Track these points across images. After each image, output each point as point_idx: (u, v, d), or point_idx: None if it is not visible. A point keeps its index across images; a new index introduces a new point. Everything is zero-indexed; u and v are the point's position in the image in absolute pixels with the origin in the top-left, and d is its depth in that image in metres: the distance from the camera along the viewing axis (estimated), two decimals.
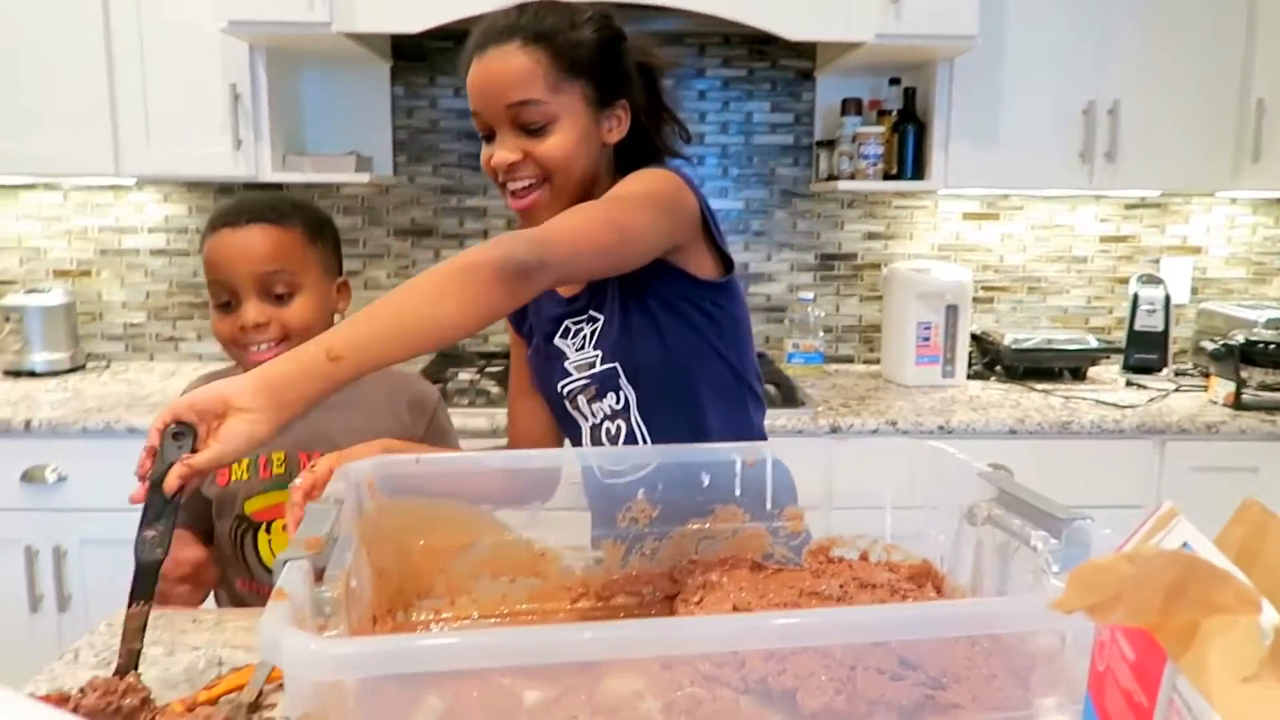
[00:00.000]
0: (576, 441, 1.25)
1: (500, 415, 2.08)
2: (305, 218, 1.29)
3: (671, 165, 1.23)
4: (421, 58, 2.62)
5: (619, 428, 1.20)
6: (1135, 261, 2.80)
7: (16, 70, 2.25)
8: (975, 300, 2.73)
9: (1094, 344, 2.58)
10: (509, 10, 1.14)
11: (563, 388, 1.22)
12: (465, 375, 2.30)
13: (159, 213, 2.66)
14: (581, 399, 1.22)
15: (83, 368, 2.60)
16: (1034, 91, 2.40)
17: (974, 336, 2.65)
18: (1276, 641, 0.42)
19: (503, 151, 1.12)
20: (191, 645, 1.04)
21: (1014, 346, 2.53)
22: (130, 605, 0.87)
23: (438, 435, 1.37)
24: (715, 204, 2.69)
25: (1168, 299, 2.61)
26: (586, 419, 1.23)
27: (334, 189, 2.65)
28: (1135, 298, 2.63)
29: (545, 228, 1.00)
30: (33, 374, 2.47)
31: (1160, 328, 2.61)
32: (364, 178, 2.40)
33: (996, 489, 0.96)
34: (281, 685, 0.91)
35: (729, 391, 1.24)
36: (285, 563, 0.74)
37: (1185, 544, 0.52)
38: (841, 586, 0.97)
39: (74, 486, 2.11)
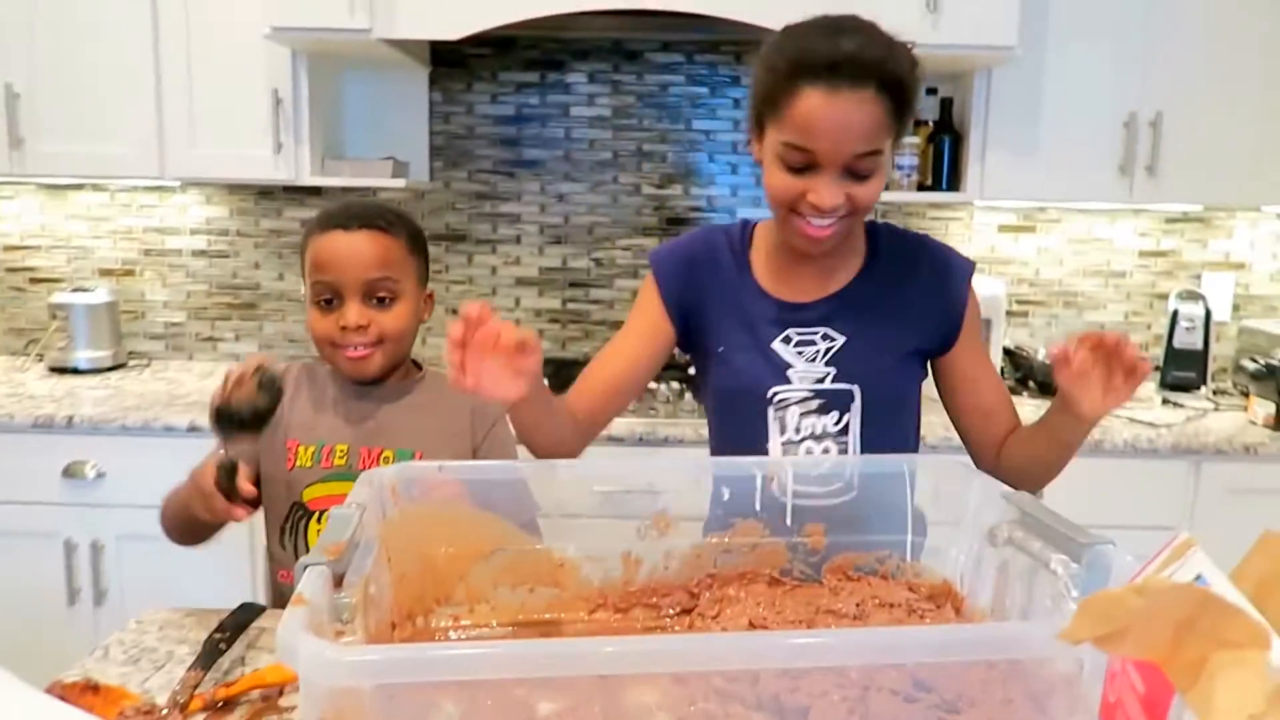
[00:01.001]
0: (757, 447, 1.23)
1: None
2: (409, 228, 1.35)
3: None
4: (460, 64, 2.65)
5: (826, 450, 1.21)
6: (1175, 277, 2.75)
7: (67, 73, 2.31)
8: (1009, 314, 2.70)
9: None
10: (859, 38, 1.07)
11: (774, 394, 1.22)
12: None
13: (201, 214, 2.71)
14: (794, 410, 1.21)
15: (124, 365, 2.66)
16: (1074, 103, 2.37)
17: (1007, 351, 2.62)
18: None
19: (833, 196, 1.10)
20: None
21: (1048, 362, 2.49)
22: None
23: (495, 446, 1.39)
24: (747, 214, 2.69)
25: (1208, 315, 2.56)
26: (784, 431, 1.22)
27: (371, 193, 2.68)
28: (1174, 314, 2.58)
29: None
30: (76, 371, 2.53)
31: (1199, 345, 2.56)
32: (400, 183, 2.43)
33: (1019, 510, 0.95)
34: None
35: (916, 420, 1.30)
36: (305, 568, 0.75)
37: (1200, 576, 0.51)
38: (859, 605, 0.97)
39: (112, 482, 2.15)
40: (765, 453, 1.23)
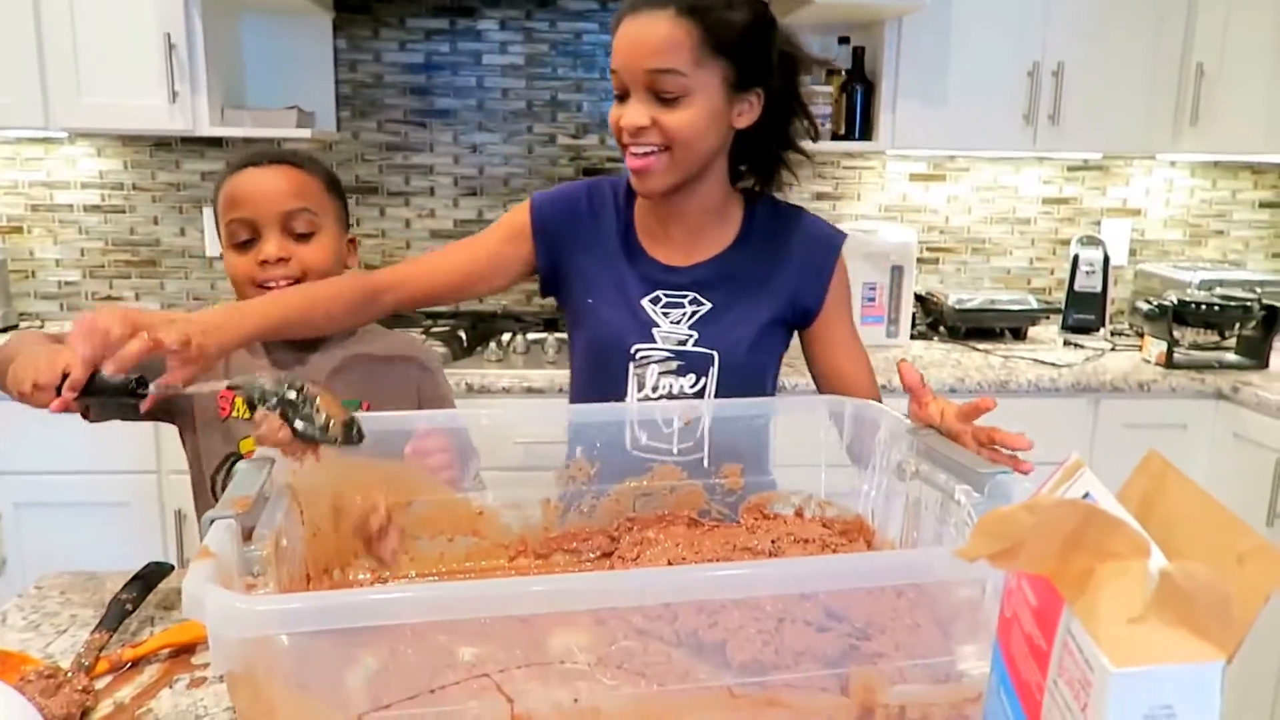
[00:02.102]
0: (613, 398, 1.25)
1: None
2: (325, 171, 1.33)
3: None
4: (365, 9, 2.56)
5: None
6: (1077, 223, 2.85)
7: None
8: (920, 261, 2.76)
9: (1034, 304, 2.63)
10: None
11: (636, 351, 1.23)
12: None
13: (92, 167, 2.58)
14: (653, 369, 1.23)
15: (14, 328, 2.53)
16: (980, 52, 2.41)
17: (918, 297, 2.68)
18: (1162, 585, 0.44)
19: (633, 115, 1.12)
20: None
21: (957, 307, 2.57)
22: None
23: (437, 400, 1.38)
24: None
25: (1106, 260, 2.66)
26: (643, 388, 1.23)
27: (275, 144, 2.58)
28: (1075, 259, 2.68)
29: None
30: None
31: (1099, 288, 2.67)
32: (306, 133, 2.35)
33: (925, 445, 0.98)
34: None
35: (773, 389, 1.32)
36: (212, 522, 0.73)
37: (1088, 494, 0.54)
38: (774, 542, 0.99)
39: (6, 449, 2.06)
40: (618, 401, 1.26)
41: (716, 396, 1.23)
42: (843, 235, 1.30)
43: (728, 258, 1.25)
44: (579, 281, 1.27)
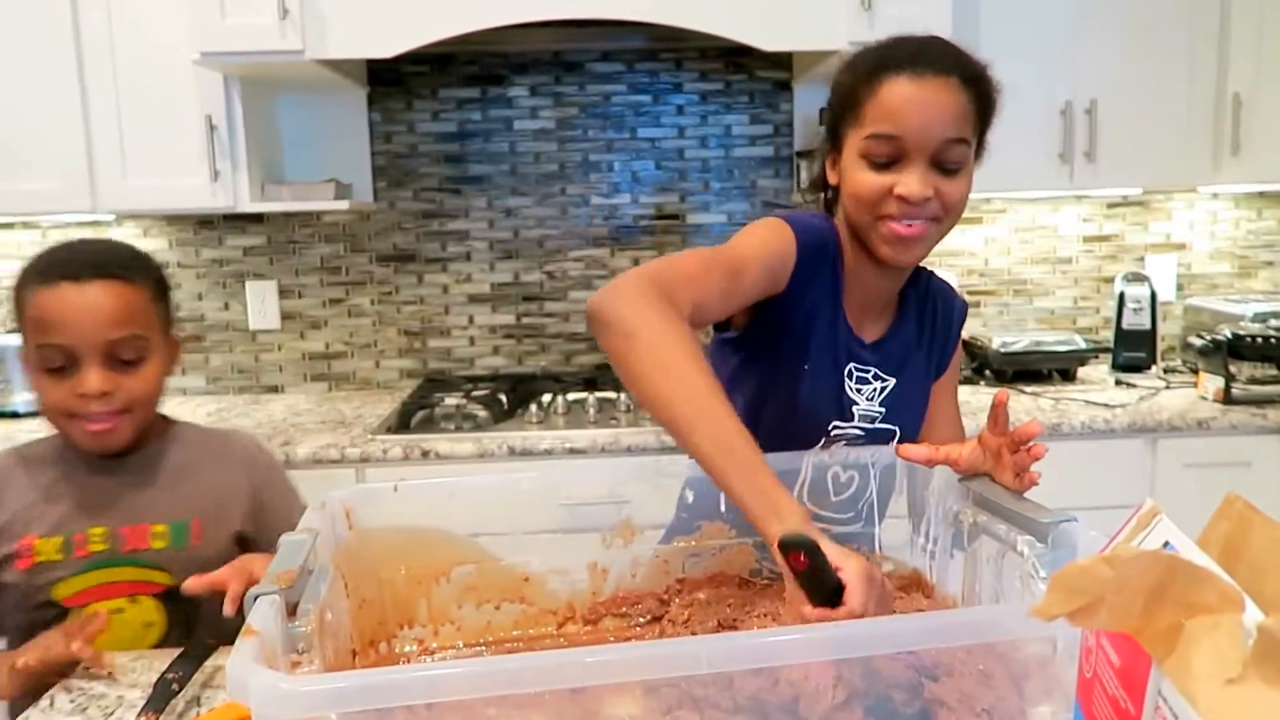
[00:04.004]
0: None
1: (486, 439, 2.06)
2: (150, 271, 1.19)
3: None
4: (398, 82, 2.61)
5: (851, 479, 1.12)
6: (1120, 260, 2.80)
7: None
8: None
9: (1082, 344, 2.58)
10: (937, 40, 1.08)
11: (833, 428, 1.16)
12: (451, 400, 2.29)
13: (139, 247, 2.64)
14: (842, 444, 1.15)
15: None
16: (1010, 94, 2.36)
17: (962, 341, 2.63)
18: (1260, 641, 0.41)
19: (921, 184, 1.04)
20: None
21: (1002, 350, 2.52)
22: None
23: (279, 496, 1.30)
24: (697, 219, 2.70)
25: (1154, 296, 2.61)
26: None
27: (314, 217, 2.64)
28: (1121, 296, 2.62)
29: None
30: (15, 415, 2.44)
31: (1147, 325, 2.61)
32: (344, 205, 2.39)
33: (980, 495, 0.95)
34: None
35: None
36: (256, 598, 0.72)
37: (1167, 543, 0.51)
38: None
39: None
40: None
41: None
42: (965, 304, 1.31)
43: (898, 329, 1.22)
44: (797, 337, 1.13)
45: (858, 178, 1.07)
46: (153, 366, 1.17)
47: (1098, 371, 2.66)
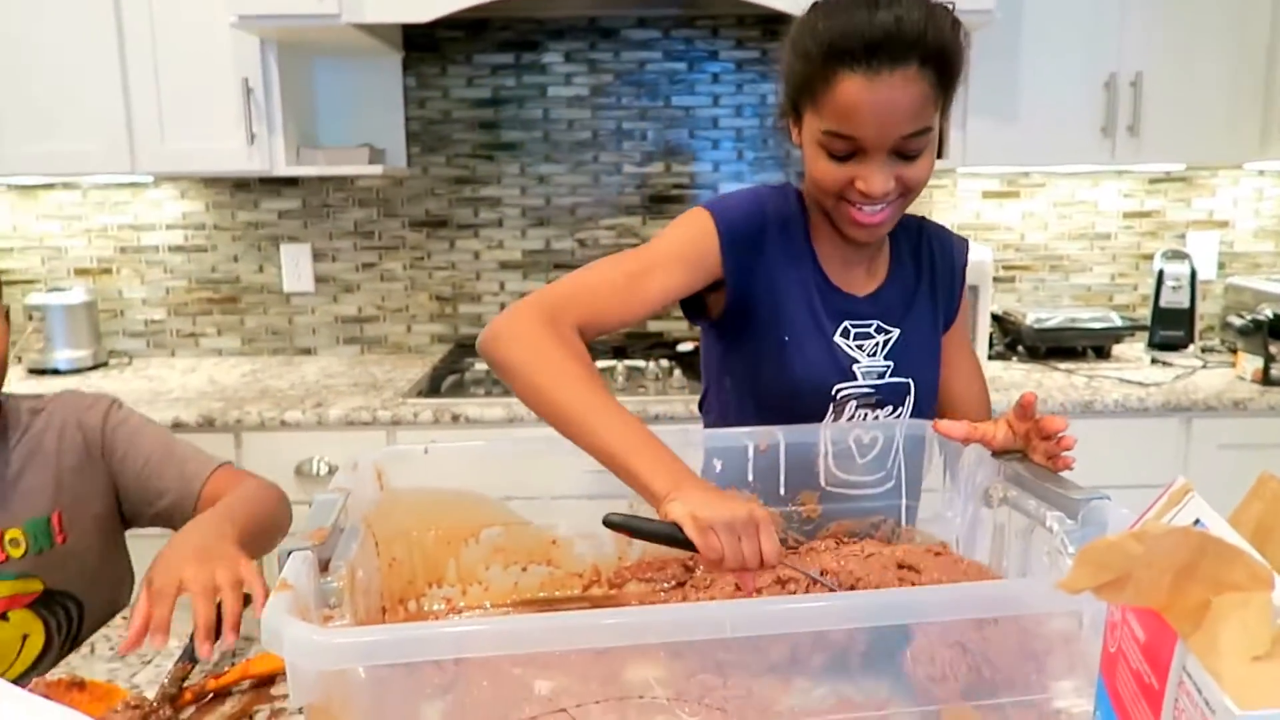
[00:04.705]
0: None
1: (516, 404, 2.08)
2: None
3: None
4: (433, 48, 2.61)
5: (875, 439, 1.13)
6: (1160, 237, 2.75)
7: (31, 72, 2.26)
8: (996, 280, 2.69)
9: (1118, 322, 2.54)
10: (894, 9, 0.98)
11: (837, 391, 1.14)
12: (482, 365, 2.30)
13: (176, 209, 2.67)
14: (852, 404, 1.15)
15: (105, 365, 2.63)
16: (1053, 65, 2.35)
17: (995, 317, 2.61)
18: None
19: (881, 181, 1.02)
20: None
21: (1036, 326, 2.49)
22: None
23: (134, 448, 1.22)
24: (731, 188, 2.68)
25: (1194, 274, 2.56)
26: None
27: (348, 181, 2.65)
28: (1160, 274, 2.58)
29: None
30: (56, 372, 2.50)
31: (1186, 304, 2.56)
32: (377, 169, 2.40)
33: (1012, 470, 0.95)
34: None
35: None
36: (289, 553, 0.74)
37: (1198, 520, 0.50)
38: (852, 571, 0.96)
39: None
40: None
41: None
42: (965, 242, 1.26)
43: (895, 279, 1.20)
44: (767, 313, 1.13)
45: (818, 166, 1.05)
46: None
47: (1134, 350, 2.62)
